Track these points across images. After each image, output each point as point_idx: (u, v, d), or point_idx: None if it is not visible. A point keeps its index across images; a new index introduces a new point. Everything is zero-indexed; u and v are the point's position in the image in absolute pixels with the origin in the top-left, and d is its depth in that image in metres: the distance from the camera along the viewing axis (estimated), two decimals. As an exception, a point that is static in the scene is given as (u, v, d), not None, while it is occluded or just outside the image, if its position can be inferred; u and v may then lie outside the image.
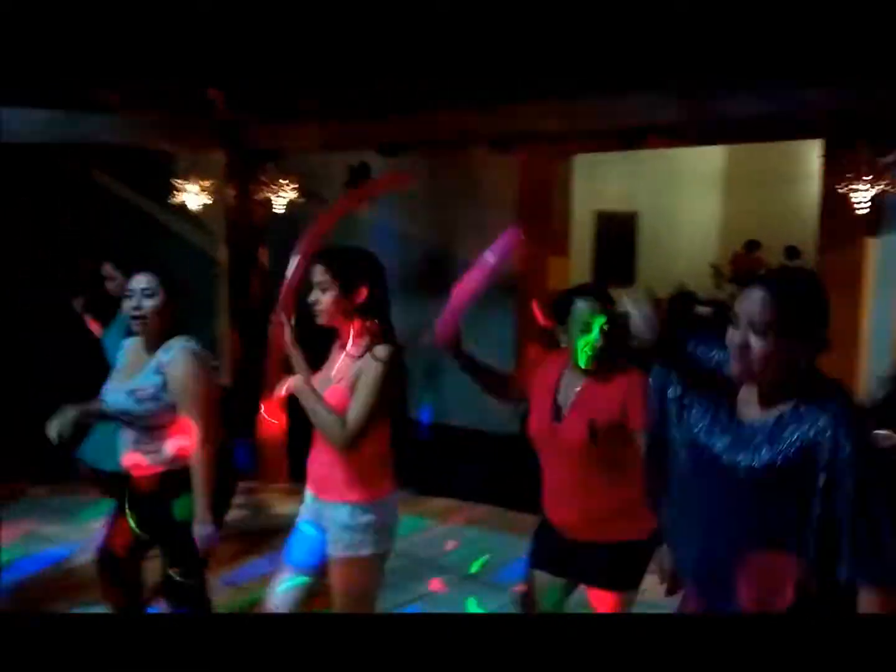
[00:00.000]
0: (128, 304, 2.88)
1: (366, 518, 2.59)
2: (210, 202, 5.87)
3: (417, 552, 4.64)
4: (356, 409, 2.51)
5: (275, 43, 4.76)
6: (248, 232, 5.82)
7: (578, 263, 8.77)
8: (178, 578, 2.98)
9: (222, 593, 4.03)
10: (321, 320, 2.62)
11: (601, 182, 9.57)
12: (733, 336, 1.78)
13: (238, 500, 5.20)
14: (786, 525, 1.72)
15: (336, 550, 2.62)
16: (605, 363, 2.57)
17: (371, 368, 2.52)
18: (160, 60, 5.03)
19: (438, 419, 6.63)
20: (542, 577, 2.76)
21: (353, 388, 2.54)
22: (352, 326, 2.60)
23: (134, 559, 3.12)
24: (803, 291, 1.78)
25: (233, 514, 5.05)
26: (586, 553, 2.60)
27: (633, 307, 1.99)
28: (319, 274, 2.58)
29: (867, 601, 1.67)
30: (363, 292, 2.57)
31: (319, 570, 2.70)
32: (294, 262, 2.65)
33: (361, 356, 2.56)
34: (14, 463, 4.89)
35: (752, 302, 1.75)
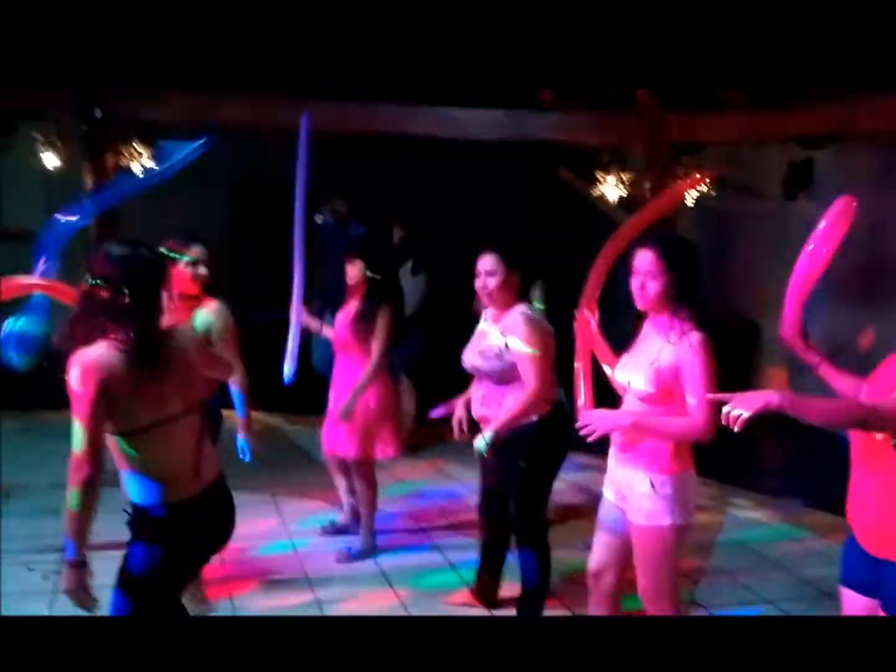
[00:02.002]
0: (477, 282, 3.36)
1: (666, 490, 2.73)
2: (626, 194, 6.17)
3: (778, 558, 4.49)
4: (699, 402, 2.63)
5: (693, 37, 4.90)
6: (660, 223, 5.99)
7: None
8: (524, 520, 3.40)
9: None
10: (643, 305, 2.79)
11: None
12: None
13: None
14: None
15: (637, 518, 2.80)
16: None
17: (692, 358, 2.65)
18: (593, 61, 5.47)
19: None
20: (847, 595, 2.58)
21: (669, 371, 2.69)
22: (668, 313, 2.75)
23: (499, 499, 3.56)
24: None
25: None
26: (886, 571, 2.40)
27: None
28: (650, 263, 2.76)
29: None
30: (671, 279, 2.70)
31: (624, 535, 2.89)
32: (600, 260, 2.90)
33: (677, 343, 2.70)
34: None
35: None
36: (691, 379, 2.66)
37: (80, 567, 2.25)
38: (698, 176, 5.54)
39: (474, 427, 3.58)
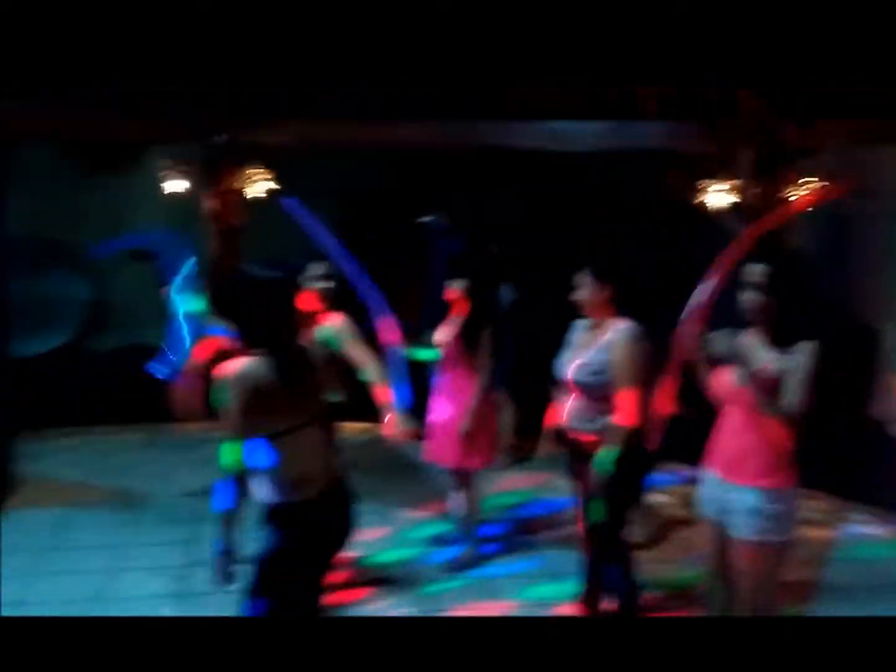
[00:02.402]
0: (574, 295, 3.44)
1: (773, 505, 2.75)
2: (733, 201, 6.06)
3: (891, 574, 4.34)
4: (797, 397, 2.70)
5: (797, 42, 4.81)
6: (768, 233, 5.87)
7: None
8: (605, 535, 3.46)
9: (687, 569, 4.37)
10: (752, 317, 2.82)
11: None
12: None
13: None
14: None
15: (743, 534, 2.80)
16: None
17: (798, 362, 2.71)
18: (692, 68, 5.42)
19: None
20: None
21: (774, 379, 2.73)
22: (774, 324, 2.80)
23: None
24: None
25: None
26: None
27: None
28: (759, 277, 2.79)
29: None
30: (781, 294, 2.75)
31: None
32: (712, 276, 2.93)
33: (787, 353, 2.76)
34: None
35: None
36: (795, 379, 2.71)
37: (227, 554, 2.50)
38: (819, 186, 5.40)
39: (562, 439, 3.65)
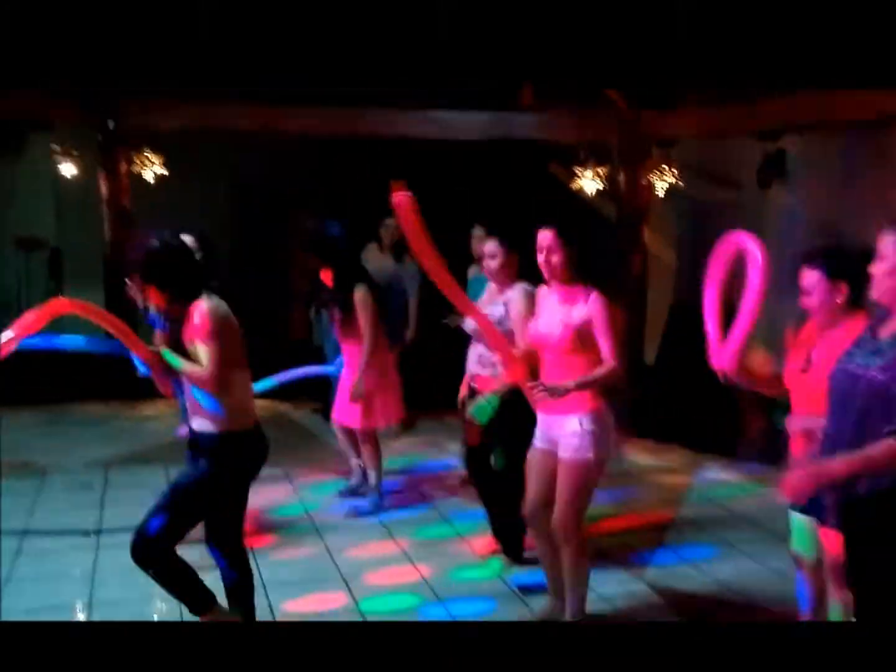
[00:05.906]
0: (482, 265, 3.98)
1: (590, 426, 3.24)
2: (603, 187, 6.65)
3: (740, 510, 4.97)
4: (610, 349, 3.21)
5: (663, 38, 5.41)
6: (633, 213, 6.51)
7: None
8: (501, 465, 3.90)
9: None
10: (549, 275, 3.36)
11: None
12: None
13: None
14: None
15: (566, 454, 3.28)
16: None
17: (598, 313, 3.23)
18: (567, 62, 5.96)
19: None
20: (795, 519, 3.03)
21: (582, 326, 3.22)
22: (573, 281, 3.32)
23: (483, 449, 4.00)
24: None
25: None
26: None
27: None
28: (550, 240, 3.32)
29: None
30: (570, 253, 3.30)
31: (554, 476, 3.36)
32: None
33: (585, 303, 3.26)
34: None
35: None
36: (601, 330, 3.22)
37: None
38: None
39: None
